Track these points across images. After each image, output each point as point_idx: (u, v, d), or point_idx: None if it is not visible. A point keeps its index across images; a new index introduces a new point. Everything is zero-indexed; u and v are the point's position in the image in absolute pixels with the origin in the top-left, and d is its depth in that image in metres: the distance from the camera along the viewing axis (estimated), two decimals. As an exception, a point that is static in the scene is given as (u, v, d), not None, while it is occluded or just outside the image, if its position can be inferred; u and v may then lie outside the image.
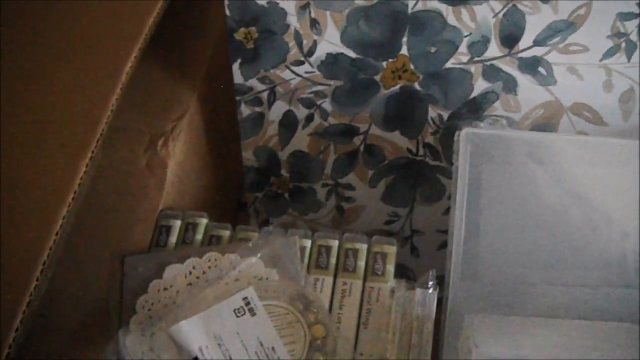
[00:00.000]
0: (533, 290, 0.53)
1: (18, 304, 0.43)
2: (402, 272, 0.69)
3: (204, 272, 0.53)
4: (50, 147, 0.49)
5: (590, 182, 0.55)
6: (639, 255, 0.53)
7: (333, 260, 0.54)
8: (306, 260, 0.54)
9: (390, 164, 0.65)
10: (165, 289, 0.52)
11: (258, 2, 0.58)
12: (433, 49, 0.59)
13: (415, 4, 0.57)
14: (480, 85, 0.60)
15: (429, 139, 0.63)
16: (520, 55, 0.58)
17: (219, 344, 0.49)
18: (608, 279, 0.53)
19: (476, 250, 0.53)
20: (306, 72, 0.61)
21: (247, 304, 0.50)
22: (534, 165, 0.55)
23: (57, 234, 0.45)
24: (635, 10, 0.56)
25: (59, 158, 0.48)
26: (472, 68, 0.59)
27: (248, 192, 0.69)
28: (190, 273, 0.53)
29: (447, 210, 0.55)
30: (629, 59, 0.58)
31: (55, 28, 0.55)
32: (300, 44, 0.59)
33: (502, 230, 0.54)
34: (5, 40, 0.53)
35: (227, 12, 0.58)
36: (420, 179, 0.65)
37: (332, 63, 0.60)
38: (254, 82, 0.62)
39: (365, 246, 0.54)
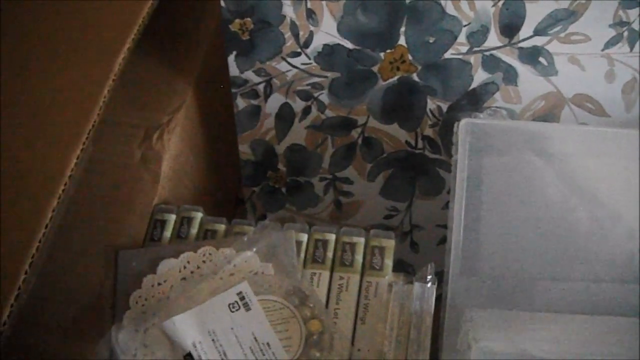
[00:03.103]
0: (534, 285, 0.52)
1: (6, 297, 0.42)
2: (402, 267, 0.68)
3: (198, 267, 0.52)
4: (41, 139, 0.49)
5: (594, 174, 0.54)
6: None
7: (330, 255, 0.53)
8: (302, 254, 0.53)
9: (388, 157, 0.64)
10: (159, 283, 0.52)
11: (253, -8, 0.57)
12: (432, 39, 0.58)
13: (413, -7, 0.56)
14: (480, 76, 0.59)
15: (428, 132, 0.62)
16: (520, 45, 0.58)
17: (213, 340, 0.48)
18: (612, 274, 0.52)
19: (476, 245, 0.53)
20: (303, 64, 0.60)
21: (242, 298, 0.50)
22: (536, 156, 0.54)
23: (46, 227, 0.45)
24: (638, -2, 0.55)
25: (50, 149, 0.48)
26: (472, 58, 0.59)
27: (245, 186, 0.68)
28: (185, 267, 0.52)
29: (447, 205, 0.54)
30: (631, 48, 0.57)
31: (48, 18, 0.54)
32: (296, 35, 0.59)
33: (503, 224, 0.53)
34: (-2, 32, 0.53)
35: (222, 3, 0.58)
36: (420, 173, 0.65)
37: (329, 54, 0.59)
38: (249, 75, 0.61)
39: (362, 240, 0.54)
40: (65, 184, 0.46)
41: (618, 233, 0.53)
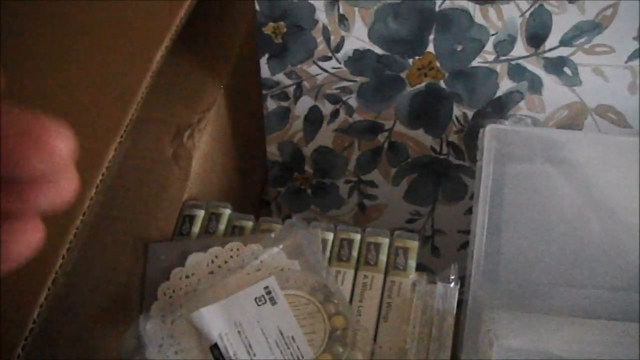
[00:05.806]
0: (554, 291, 0.53)
1: (44, 280, 0.43)
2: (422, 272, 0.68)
3: (225, 262, 0.53)
4: (80, 130, 0.49)
5: (612, 183, 0.55)
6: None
7: (355, 254, 0.54)
8: (328, 252, 0.54)
9: (413, 162, 0.65)
10: (187, 276, 0.52)
11: (287, -3, 0.58)
12: (459, 47, 0.59)
13: (443, 1, 0.57)
14: (505, 85, 0.60)
15: (453, 138, 0.63)
16: (546, 55, 0.59)
17: (239, 332, 0.49)
18: (626, 282, 0.53)
19: (498, 250, 0.53)
20: (333, 68, 0.61)
21: (268, 293, 0.50)
22: (556, 164, 0.55)
23: (84, 214, 0.46)
24: (662, 12, 0.56)
25: (88, 140, 0.49)
26: (498, 67, 0.60)
27: (271, 187, 0.69)
28: (212, 262, 0.53)
29: (469, 211, 0.55)
30: (655, 61, 0.58)
31: (90, 15, 0.56)
32: (328, 40, 0.60)
33: (523, 231, 0.54)
34: (41, 26, 0.54)
35: (257, 7, 0.59)
36: (443, 178, 0.65)
37: (359, 59, 0.60)
38: (280, 77, 0.62)
39: (387, 240, 0.54)
40: (103, 175, 0.48)
41: (632, 242, 0.53)
